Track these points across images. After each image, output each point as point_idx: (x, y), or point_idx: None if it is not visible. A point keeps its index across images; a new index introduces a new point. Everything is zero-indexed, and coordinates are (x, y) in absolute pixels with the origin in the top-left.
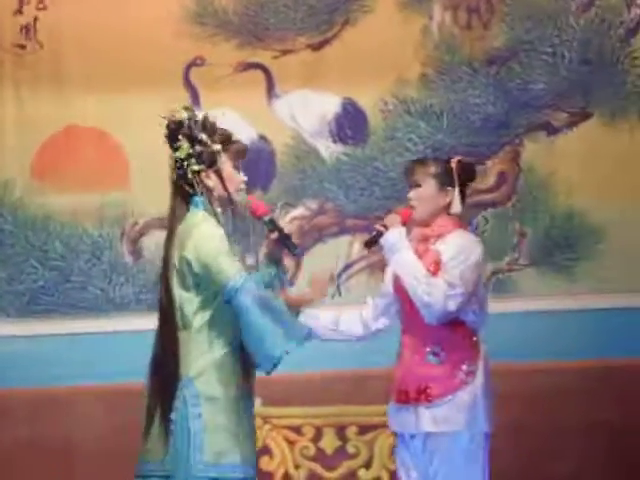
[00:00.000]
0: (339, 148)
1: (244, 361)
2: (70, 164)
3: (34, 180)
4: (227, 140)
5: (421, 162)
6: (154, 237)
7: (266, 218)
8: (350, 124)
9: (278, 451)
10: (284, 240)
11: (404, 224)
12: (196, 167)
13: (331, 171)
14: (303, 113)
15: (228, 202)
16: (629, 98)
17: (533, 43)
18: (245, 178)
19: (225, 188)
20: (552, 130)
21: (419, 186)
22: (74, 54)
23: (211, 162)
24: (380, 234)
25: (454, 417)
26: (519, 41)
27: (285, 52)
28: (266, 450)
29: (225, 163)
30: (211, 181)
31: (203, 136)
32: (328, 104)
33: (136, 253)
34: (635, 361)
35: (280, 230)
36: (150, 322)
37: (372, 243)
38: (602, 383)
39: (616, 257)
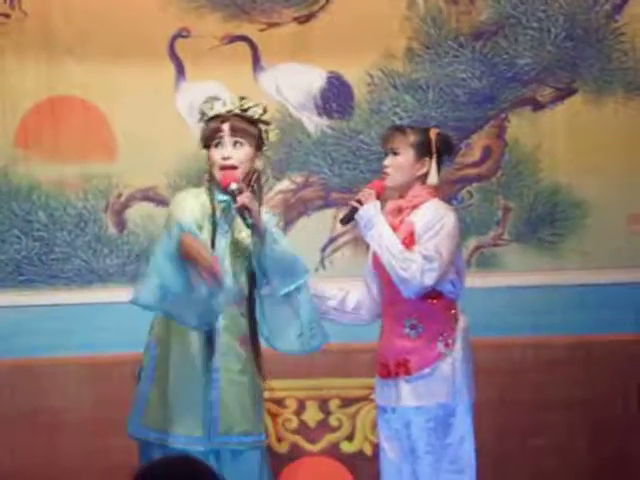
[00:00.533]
0: (324, 121)
1: None
2: (54, 134)
3: (18, 149)
4: (207, 122)
5: (400, 130)
6: (139, 209)
7: (229, 189)
8: (335, 97)
9: None
10: (239, 210)
11: (378, 197)
12: (202, 143)
13: (316, 144)
14: (289, 86)
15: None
16: (614, 74)
17: (519, 18)
18: (225, 154)
19: (209, 165)
20: (537, 105)
21: (397, 154)
22: (59, 24)
23: (203, 140)
24: (355, 210)
25: (435, 390)
26: (505, 15)
27: (271, 25)
28: None
29: (208, 143)
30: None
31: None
32: (314, 77)
33: (120, 225)
34: (618, 337)
35: (235, 202)
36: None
37: (348, 219)
38: (586, 358)
39: (600, 233)
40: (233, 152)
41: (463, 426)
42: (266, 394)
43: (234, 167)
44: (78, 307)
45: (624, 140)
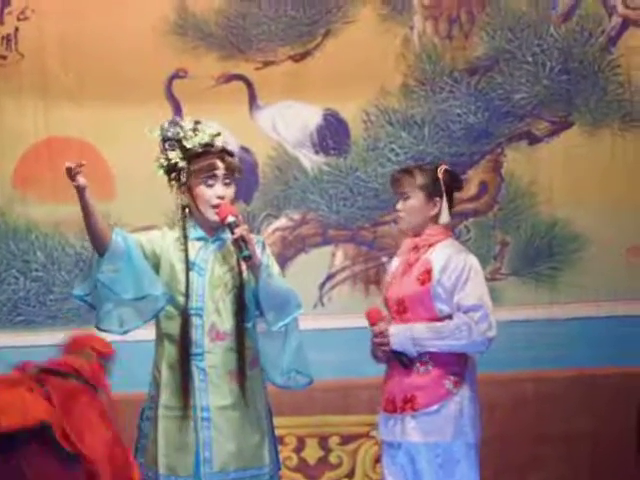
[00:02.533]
0: (321, 159)
1: None
2: (52, 175)
3: (16, 190)
4: (195, 155)
5: (408, 172)
6: None
7: (226, 221)
8: (332, 135)
9: None
10: (236, 242)
11: (374, 324)
12: (173, 183)
13: (313, 182)
14: (285, 124)
15: (203, 221)
16: (610, 106)
17: (514, 52)
18: (220, 193)
19: (195, 204)
20: (533, 139)
21: (407, 198)
22: (55, 66)
23: (178, 178)
24: (399, 353)
25: (440, 428)
26: (500, 50)
27: (267, 63)
28: None
29: (193, 179)
30: (184, 197)
31: (168, 153)
32: (310, 115)
33: None
34: (617, 370)
35: (232, 233)
36: (131, 334)
37: (405, 365)
38: (585, 392)
39: (598, 265)
40: (225, 190)
41: (469, 465)
42: None
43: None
44: None
45: (621, 172)
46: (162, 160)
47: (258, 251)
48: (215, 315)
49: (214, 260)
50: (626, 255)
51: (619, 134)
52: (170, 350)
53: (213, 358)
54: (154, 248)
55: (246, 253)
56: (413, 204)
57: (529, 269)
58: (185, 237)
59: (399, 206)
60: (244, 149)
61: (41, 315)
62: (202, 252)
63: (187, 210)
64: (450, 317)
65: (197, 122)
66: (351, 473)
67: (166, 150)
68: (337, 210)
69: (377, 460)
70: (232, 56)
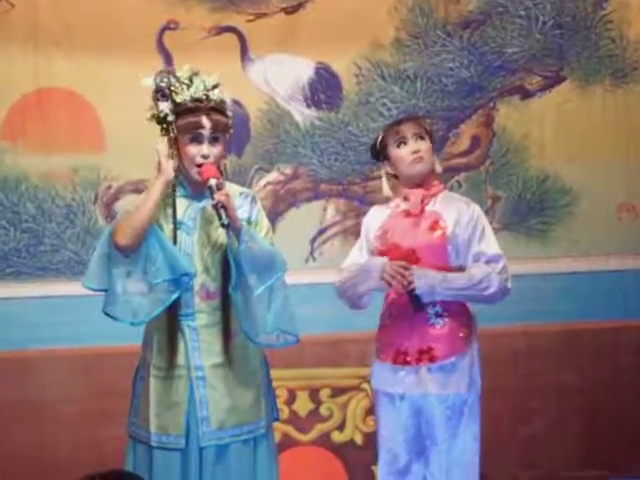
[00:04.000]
0: (313, 112)
1: None
2: (42, 126)
3: (5, 141)
4: (183, 110)
5: (416, 118)
6: (128, 201)
7: (208, 183)
8: (324, 89)
9: None
10: (215, 208)
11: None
12: (162, 133)
13: (305, 136)
14: (277, 77)
15: (189, 178)
16: (602, 62)
17: (506, 6)
18: (204, 152)
19: (181, 162)
20: (525, 93)
21: (422, 139)
22: (46, 16)
23: (167, 131)
24: (416, 296)
25: (457, 379)
26: (493, 4)
27: (259, 16)
28: None
29: (179, 135)
30: (173, 152)
31: (159, 103)
32: (302, 68)
33: (110, 217)
34: (606, 324)
35: (212, 198)
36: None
37: (419, 306)
38: (575, 346)
39: (589, 220)
40: (210, 149)
41: (473, 417)
42: None
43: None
44: (67, 299)
45: (612, 127)
46: (152, 110)
47: (247, 207)
48: (204, 275)
49: (202, 218)
50: (617, 210)
51: (610, 90)
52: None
53: (204, 317)
54: None
55: (224, 221)
56: (428, 146)
57: (520, 224)
58: (173, 193)
59: (419, 145)
60: (235, 102)
61: (31, 267)
62: (190, 210)
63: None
64: (462, 268)
65: (195, 73)
66: (342, 425)
67: (157, 100)
68: (329, 165)
69: (368, 412)
70: (224, 8)
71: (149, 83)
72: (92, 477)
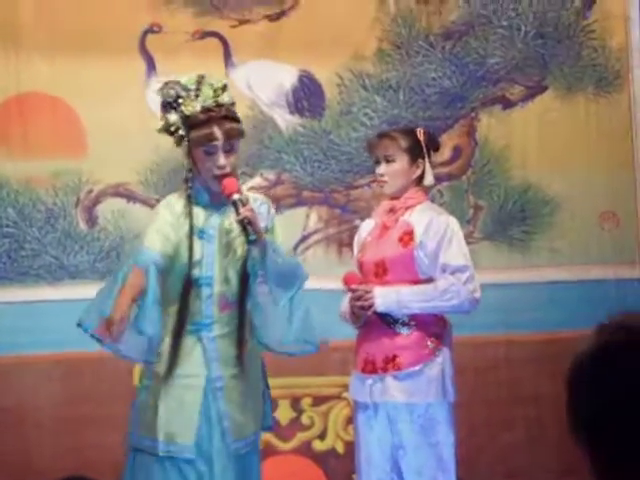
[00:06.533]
0: (296, 119)
1: None
2: (23, 130)
3: None
4: (194, 124)
5: (390, 136)
6: (109, 205)
7: (232, 198)
8: (307, 96)
9: None
10: (241, 224)
11: (352, 286)
12: (176, 144)
13: (288, 142)
14: (260, 83)
15: (207, 186)
16: (584, 72)
17: (489, 17)
18: (220, 163)
19: (198, 172)
20: (507, 103)
21: (391, 161)
22: (28, 19)
23: (180, 142)
24: (385, 315)
25: (423, 388)
26: (475, 15)
27: (242, 22)
28: None
29: (195, 147)
30: (187, 161)
31: (168, 117)
32: (285, 75)
33: (91, 221)
34: (586, 333)
35: (238, 214)
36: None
37: (390, 322)
38: (556, 355)
39: (571, 230)
40: (226, 159)
41: (447, 425)
42: None
43: (230, 174)
44: (48, 304)
45: (595, 137)
46: (163, 123)
47: (264, 215)
48: (224, 284)
49: (221, 227)
50: (599, 220)
51: (593, 99)
52: (175, 319)
53: (220, 327)
54: (168, 242)
55: (252, 237)
56: (398, 167)
57: (502, 233)
58: (190, 202)
59: (382, 170)
60: None
61: (12, 271)
62: (211, 219)
63: (191, 174)
64: (431, 279)
65: (201, 77)
66: (323, 434)
67: (166, 113)
68: (311, 172)
69: (349, 421)
70: (207, 13)
71: (156, 95)
72: None
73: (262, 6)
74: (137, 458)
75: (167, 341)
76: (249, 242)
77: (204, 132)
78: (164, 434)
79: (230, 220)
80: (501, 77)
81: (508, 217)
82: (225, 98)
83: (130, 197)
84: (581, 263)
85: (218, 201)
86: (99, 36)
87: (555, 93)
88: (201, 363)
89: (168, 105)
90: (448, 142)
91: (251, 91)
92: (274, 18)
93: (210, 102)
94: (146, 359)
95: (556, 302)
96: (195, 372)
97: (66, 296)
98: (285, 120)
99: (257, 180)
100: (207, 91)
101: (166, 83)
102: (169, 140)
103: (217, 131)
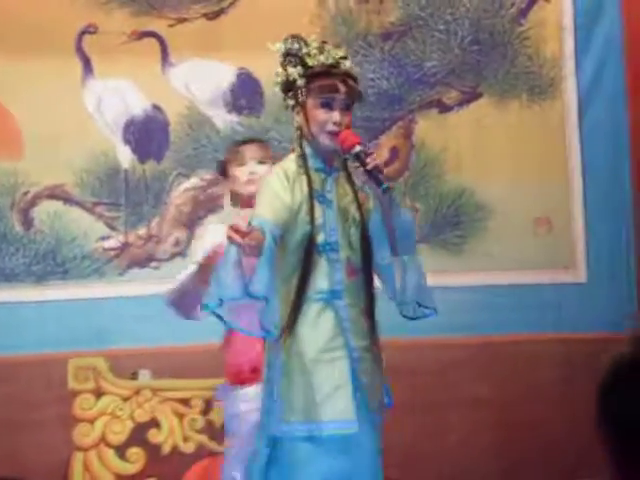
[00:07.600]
0: (234, 118)
1: None
2: None
3: None
4: (315, 74)
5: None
6: (46, 207)
7: (353, 151)
8: (245, 94)
9: (167, 423)
10: (370, 175)
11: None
12: (289, 101)
13: (225, 141)
14: (198, 82)
15: (316, 144)
16: (518, 78)
17: (426, 20)
18: (336, 119)
19: (307, 127)
20: (444, 107)
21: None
22: None
23: (295, 97)
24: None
25: None
26: (413, 17)
27: (180, 20)
28: (155, 422)
29: (309, 99)
30: (299, 118)
31: (288, 68)
32: (223, 74)
33: (27, 223)
34: (520, 337)
35: (364, 165)
36: (40, 293)
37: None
38: (489, 359)
39: (504, 235)
40: (343, 116)
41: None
42: (171, 394)
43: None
44: None
45: (529, 143)
46: (281, 76)
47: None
48: (348, 249)
49: (337, 192)
50: (533, 225)
51: (527, 105)
52: (297, 287)
53: (349, 296)
54: (283, 207)
55: (385, 185)
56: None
57: (437, 236)
58: (305, 163)
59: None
60: (156, 107)
61: None
62: (327, 184)
63: (300, 132)
64: None
65: (324, 42)
66: None
67: (286, 65)
68: None
69: None
70: (144, 12)
71: (277, 47)
72: None
73: (200, 4)
74: (283, 448)
75: (287, 311)
76: (383, 191)
77: (326, 82)
78: (325, 413)
79: (342, 184)
80: (438, 81)
81: (442, 221)
82: (347, 64)
83: (66, 199)
84: (515, 268)
85: (331, 164)
86: (35, 37)
87: (489, 99)
88: (337, 333)
89: (289, 56)
90: (386, 143)
91: (189, 91)
92: (212, 16)
93: (332, 61)
94: (267, 331)
95: (491, 306)
96: (335, 344)
97: (1, 299)
98: (223, 119)
99: (194, 180)
100: (331, 51)
101: (290, 36)
102: (106, 141)
103: (340, 84)
